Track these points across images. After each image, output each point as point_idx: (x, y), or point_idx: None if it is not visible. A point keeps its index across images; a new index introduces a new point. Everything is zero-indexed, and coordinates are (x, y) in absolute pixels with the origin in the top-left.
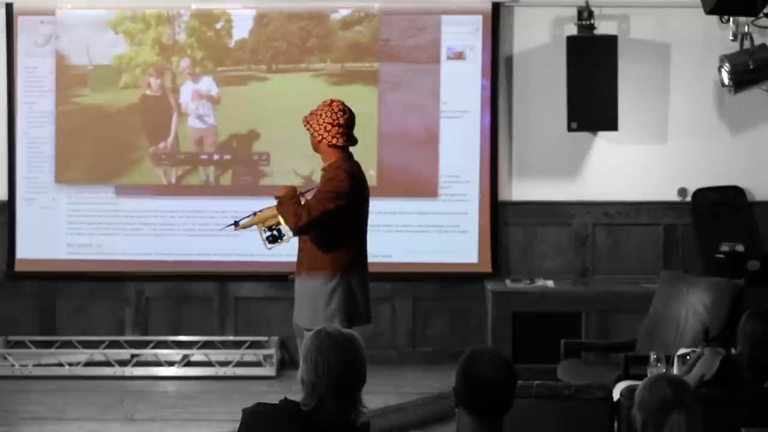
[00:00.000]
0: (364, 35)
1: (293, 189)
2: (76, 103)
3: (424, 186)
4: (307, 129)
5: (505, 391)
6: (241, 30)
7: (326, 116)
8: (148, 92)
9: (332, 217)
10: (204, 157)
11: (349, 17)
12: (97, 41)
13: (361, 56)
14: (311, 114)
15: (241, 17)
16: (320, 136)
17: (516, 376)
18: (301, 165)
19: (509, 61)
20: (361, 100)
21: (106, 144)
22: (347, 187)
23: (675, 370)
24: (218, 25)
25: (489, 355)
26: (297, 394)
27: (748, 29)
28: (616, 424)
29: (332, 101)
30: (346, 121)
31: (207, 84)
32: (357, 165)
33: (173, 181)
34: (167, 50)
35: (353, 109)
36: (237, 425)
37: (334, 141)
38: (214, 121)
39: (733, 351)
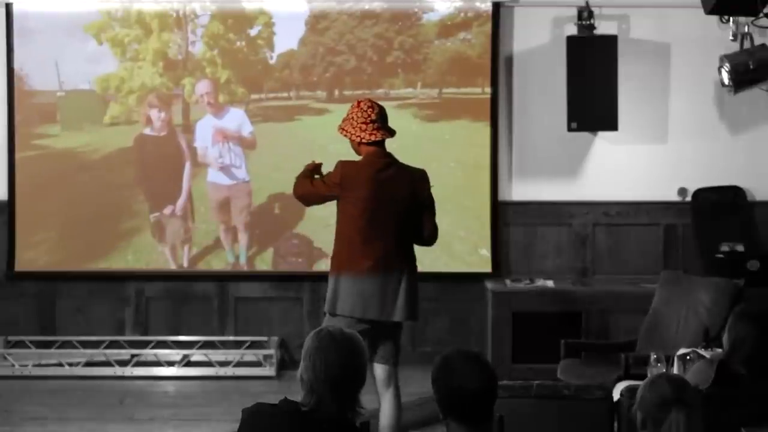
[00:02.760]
0: (473, 46)
1: (313, 164)
2: (40, 146)
3: None
4: (344, 135)
5: (493, 393)
6: (288, 38)
7: (358, 117)
8: (147, 131)
9: (320, 201)
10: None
11: (450, 18)
12: (70, 55)
13: (468, 77)
14: (343, 120)
15: (288, 19)
16: (359, 137)
17: (495, 375)
18: None
19: (509, 61)
20: (469, 143)
21: (84, 210)
22: (337, 179)
23: (675, 371)
24: (253, 31)
25: (462, 361)
26: (297, 394)
27: (748, 29)
28: (616, 424)
29: (359, 102)
30: (377, 116)
31: (236, 119)
32: (374, 162)
33: (185, 264)
34: (176, 68)
35: (459, 166)
36: (237, 425)
37: (372, 137)
38: (246, 174)
39: (719, 351)
